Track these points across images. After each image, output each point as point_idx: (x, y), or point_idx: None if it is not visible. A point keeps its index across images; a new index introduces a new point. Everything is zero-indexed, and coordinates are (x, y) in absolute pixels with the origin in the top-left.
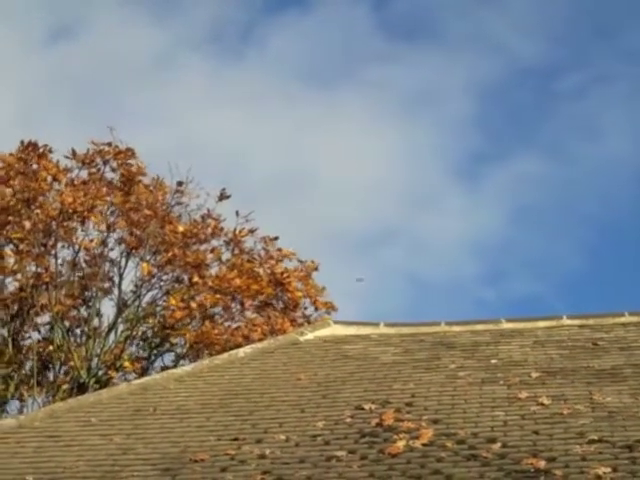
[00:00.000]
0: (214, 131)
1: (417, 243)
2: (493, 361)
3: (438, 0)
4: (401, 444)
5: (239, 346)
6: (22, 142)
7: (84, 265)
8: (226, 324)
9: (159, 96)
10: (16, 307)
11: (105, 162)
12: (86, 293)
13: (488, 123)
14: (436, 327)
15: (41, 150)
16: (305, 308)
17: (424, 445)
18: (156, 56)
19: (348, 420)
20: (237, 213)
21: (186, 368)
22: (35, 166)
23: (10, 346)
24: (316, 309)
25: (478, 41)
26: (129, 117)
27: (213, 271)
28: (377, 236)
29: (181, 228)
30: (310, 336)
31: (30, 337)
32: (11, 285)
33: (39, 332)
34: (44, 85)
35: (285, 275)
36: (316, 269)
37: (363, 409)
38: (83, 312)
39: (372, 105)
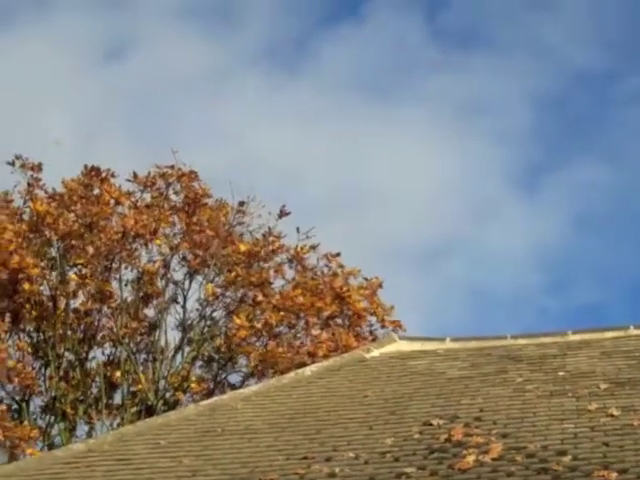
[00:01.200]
0: (269, 147)
1: (478, 254)
2: (561, 373)
3: (490, 8)
4: (471, 459)
5: (304, 364)
6: (85, 167)
7: (148, 287)
8: (291, 342)
9: (214, 112)
10: (82, 331)
11: (168, 185)
12: (150, 315)
13: (545, 131)
14: (502, 340)
15: (104, 174)
16: (371, 325)
17: (494, 459)
18: (211, 72)
19: (416, 436)
20: (298, 230)
21: (253, 388)
22: (97, 190)
23: (77, 370)
24: (383, 327)
25: (531, 48)
26: (184, 134)
27: (276, 289)
28: (437, 249)
29: (243, 247)
30: (376, 353)
31: (96, 360)
32: (75, 309)
33: (105, 355)
34: (99, 105)
35: (345, 289)
36: (381, 286)
37: (431, 425)
38: (148, 334)
39: (428, 116)
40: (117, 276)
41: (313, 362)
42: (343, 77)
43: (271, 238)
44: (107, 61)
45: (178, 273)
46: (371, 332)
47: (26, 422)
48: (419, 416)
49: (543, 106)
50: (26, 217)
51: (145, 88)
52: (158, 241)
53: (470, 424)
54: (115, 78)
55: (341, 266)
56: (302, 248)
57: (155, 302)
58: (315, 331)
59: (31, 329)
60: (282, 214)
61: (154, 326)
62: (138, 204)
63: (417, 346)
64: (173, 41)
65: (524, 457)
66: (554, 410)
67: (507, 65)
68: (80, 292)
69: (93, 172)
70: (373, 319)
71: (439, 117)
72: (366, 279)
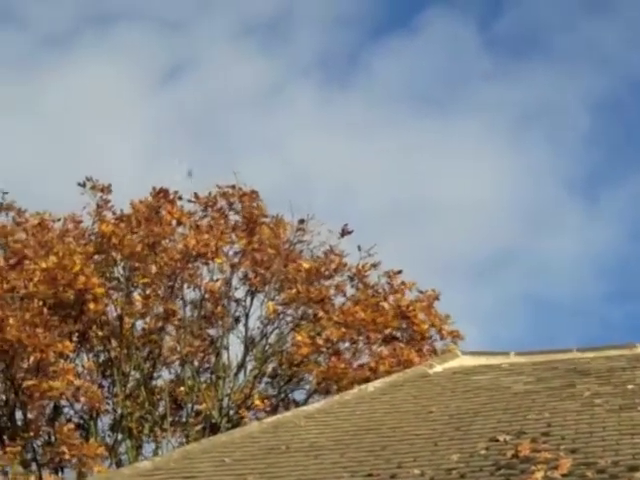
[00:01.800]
0: (322, 160)
1: (537, 264)
2: (630, 387)
3: (544, 15)
4: (539, 475)
5: (367, 380)
6: (153, 188)
7: (210, 306)
8: (353, 359)
9: (267, 127)
10: (146, 350)
11: (230, 204)
12: (213, 333)
13: (604, 138)
14: (568, 354)
15: (171, 196)
16: (432, 340)
17: (563, 475)
18: (265, 87)
19: (483, 452)
20: (359, 248)
21: (316, 405)
22: (163, 212)
23: (143, 389)
24: (441, 338)
25: (588, 55)
26: (239, 150)
27: (337, 306)
28: (494, 260)
29: (306, 265)
30: (439, 368)
31: (162, 379)
32: (140, 328)
33: (170, 374)
34: (159, 125)
35: (411, 308)
36: (437, 298)
37: (498, 440)
38: (211, 352)
39: (483, 125)
40: (180, 295)
41: (375, 378)
42: (395, 89)
43: (332, 256)
44: (167, 81)
45: (239, 291)
46: (433, 348)
47: (94, 440)
48: (485, 432)
49: (601, 113)
50: (93, 238)
51: (203, 107)
52: (219, 260)
53: (537, 439)
54: (174, 98)
55: (403, 283)
56: (364, 266)
57: (217, 321)
58: (376, 347)
59: (98, 349)
60: (344, 233)
61: (217, 345)
62: (199, 224)
63: (481, 361)
64: (230, 59)
65: (595, 473)
66: (624, 424)
67: (563, 72)
68: (145, 312)
69: (161, 194)
70: (432, 331)
71: (494, 127)
72: (421, 292)
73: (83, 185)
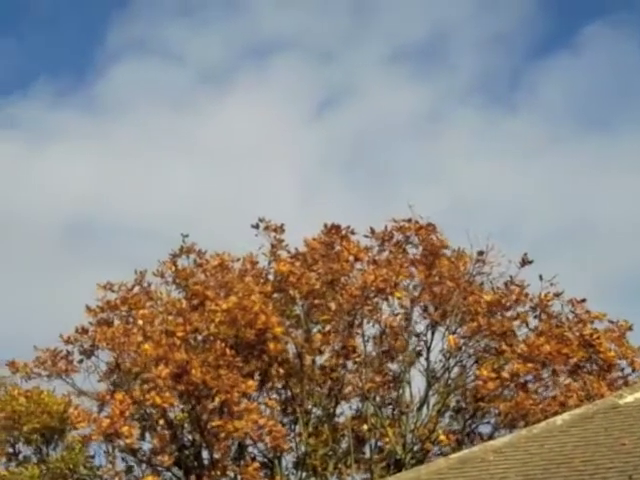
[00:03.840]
0: (486, 184)
1: None
2: None
3: None
4: None
5: (555, 414)
6: (325, 225)
7: (390, 340)
8: (540, 392)
9: (432, 153)
10: (327, 386)
11: (407, 238)
12: (394, 368)
13: None
14: None
15: (344, 232)
16: (622, 369)
17: None
18: (425, 112)
19: None
20: (541, 277)
21: (504, 439)
22: (337, 248)
23: (326, 425)
24: (633, 370)
25: None
26: (403, 177)
27: (520, 338)
28: None
29: (487, 297)
30: (630, 398)
31: (344, 415)
32: (320, 365)
33: (352, 410)
34: (317, 157)
35: (595, 336)
36: (630, 328)
37: None
38: (392, 387)
39: None
40: (359, 331)
41: (564, 412)
42: (560, 108)
43: (513, 287)
44: (322, 112)
45: (419, 325)
46: (623, 378)
47: (278, 478)
48: None
49: None
50: (270, 277)
51: (360, 136)
52: (398, 294)
53: None
54: (330, 129)
55: (587, 312)
56: (546, 296)
57: (398, 355)
58: (563, 379)
59: (279, 387)
60: (524, 262)
61: (398, 379)
62: (377, 260)
63: None
64: (384, 87)
65: None
66: None
67: None
68: (325, 349)
69: (333, 230)
70: (623, 363)
71: None
72: (612, 322)
73: (256, 226)
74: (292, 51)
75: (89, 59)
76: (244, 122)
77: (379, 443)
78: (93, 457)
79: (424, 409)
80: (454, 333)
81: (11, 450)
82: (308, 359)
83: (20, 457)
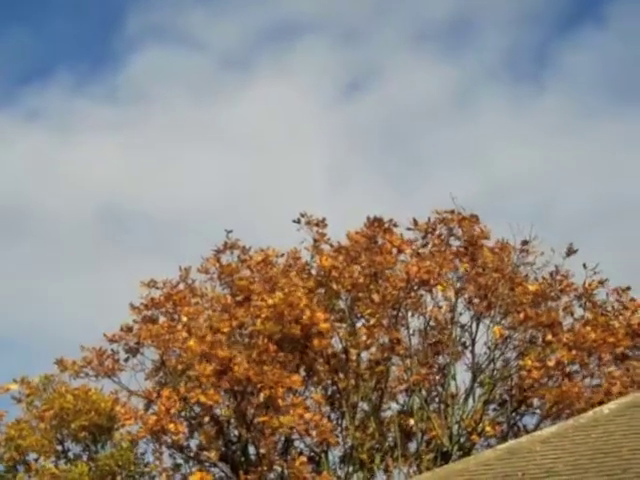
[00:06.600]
0: (518, 164)
1: None
2: None
3: None
4: None
5: (600, 402)
6: (368, 218)
7: (435, 333)
8: (585, 381)
9: (462, 133)
10: (373, 380)
11: (450, 230)
12: (439, 360)
13: None
14: None
15: (386, 225)
16: None
17: None
18: (453, 92)
19: None
20: (584, 266)
21: (551, 429)
22: (380, 241)
23: (372, 419)
24: None
25: None
26: (434, 159)
27: (566, 327)
28: None
29: (532, 288)
30: None
31: (391, 409)
32: (366, 359)
33: (399, 404)
34: (345, 142)
35: None
36: None
37: None
38: (438, 380)
39: None
40: (404, 324)
41: (608, 400)
42: (587, 82)
43: (558, 277)
44: (349, 94)
45: (464, 317)
46: None
47: (325, 473)
48: None
49: None
50: (313, 272)
51: (389, 118)
52: (442, 286)
53: None
54: (358, 111)
55: (632, 300)
56: (590, 284)
57: (443, 348)
58: (608, 368)
59: (325, 382)
60: (569, 252)
61: (444, 372)
62: (420, 252)
63: None
64: (411, 67)
65: None
66: None
67: None
68: (370, 342)
69: (376, 223)
70: None
71: None
72: None
73: (298, 222)
74: (315, 33)
75: (109, 47)
76: (269, 108)
77: (426, 436)
78: (143, 454)
79: (470, 401)
80: (499, 324)
81: (60, 448)
82: (353, 353)
83: (69, 455)
